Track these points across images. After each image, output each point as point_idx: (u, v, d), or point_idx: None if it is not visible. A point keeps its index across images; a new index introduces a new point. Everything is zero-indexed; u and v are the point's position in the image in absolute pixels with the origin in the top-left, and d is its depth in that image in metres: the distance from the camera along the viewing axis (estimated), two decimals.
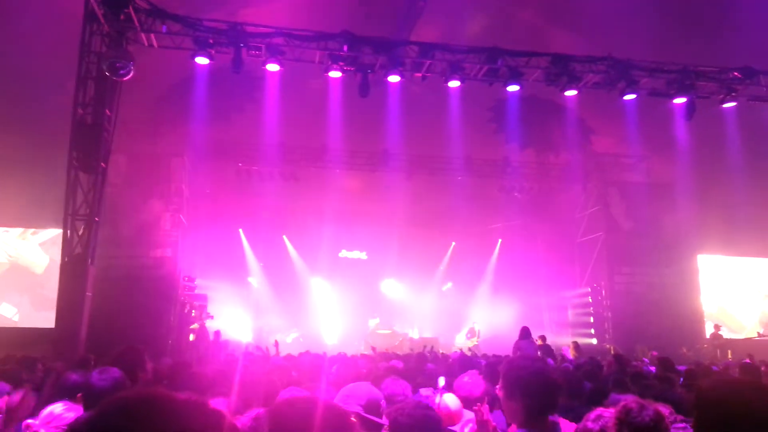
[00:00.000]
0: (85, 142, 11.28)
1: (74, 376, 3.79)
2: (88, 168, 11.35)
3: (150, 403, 1.12)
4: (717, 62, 13.50)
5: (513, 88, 12.72)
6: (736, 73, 13.32)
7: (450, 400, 3.60)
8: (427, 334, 19.09)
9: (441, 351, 14.64)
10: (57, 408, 3.12)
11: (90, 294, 11.06)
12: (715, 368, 8.19)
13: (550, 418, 2.77)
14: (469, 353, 13.03)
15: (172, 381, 3.71)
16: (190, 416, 1.13)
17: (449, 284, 21.41)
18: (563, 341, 17.40)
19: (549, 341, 13.55)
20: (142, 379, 4.02)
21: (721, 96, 13.54)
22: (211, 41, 11.62)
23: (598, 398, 5.01)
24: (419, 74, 12.74)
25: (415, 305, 20.20)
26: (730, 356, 14.30)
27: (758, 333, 16.19)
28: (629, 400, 3.85)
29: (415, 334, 19.22)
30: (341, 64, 12.07)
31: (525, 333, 11.59)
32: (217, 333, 14.15)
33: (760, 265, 19.78)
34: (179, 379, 3.84)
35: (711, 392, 1.69)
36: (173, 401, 1.14)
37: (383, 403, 2.80)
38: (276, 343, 12.19)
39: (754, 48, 14.17)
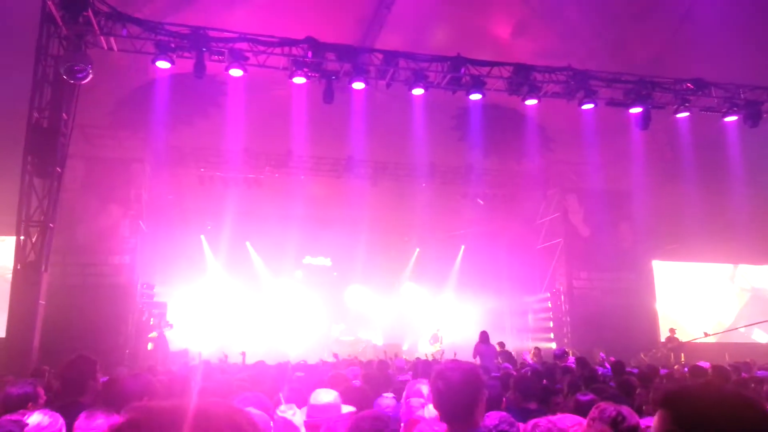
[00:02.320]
0: (41, 147, 10.99)
1: (15, 390, 3.76)
2: (44, 173, 11.06)
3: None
4: (671, 74, 13.97)
5: (475, 96, 12.90)
6: (689, 85, 13.80)
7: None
8: (391, 341, 19.16)
9: (404, 357, 14.72)
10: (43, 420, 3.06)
11: (43, 302, 10.78)
12: (662, 371, 8.42)
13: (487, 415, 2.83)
14: (431, 359, 13.13)
15: (113, 392, 3.62)
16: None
17: (409, 283, 21.53)
18: (524, 346, 17.71)
19: (511, 346, 13.79)
20: (93, 389, 3.93)
21: (675, 106, 14.01)
22: (172, 45, 11.46)
23: (549, 399, 5.16)
24: (384, 81, 12.82)
25: (380, 311, 20.26)
26: (683, 359, 14.78)
27: (705, 333, 16.76)
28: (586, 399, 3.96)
29: (378, 341, 19.25)
30: (306, 70, 12.05)
31: (484, 338, 11.78)
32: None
33: (711, 271, 20.51)
34: (119, 389, 3.75)
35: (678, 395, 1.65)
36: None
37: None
38: (242, 353, 12.09)
39: (706, 60, 14.72)
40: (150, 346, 14.25)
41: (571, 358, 10.04)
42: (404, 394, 4.11)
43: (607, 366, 9.39)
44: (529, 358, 12.01)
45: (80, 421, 3.06)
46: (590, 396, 4.02)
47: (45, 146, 11.01)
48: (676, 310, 19.25)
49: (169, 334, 14.85)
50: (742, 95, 14.01)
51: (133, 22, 11.31)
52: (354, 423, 2.98)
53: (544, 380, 7.03)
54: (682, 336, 16.77)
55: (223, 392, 4.41)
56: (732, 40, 14.95)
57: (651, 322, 18.16)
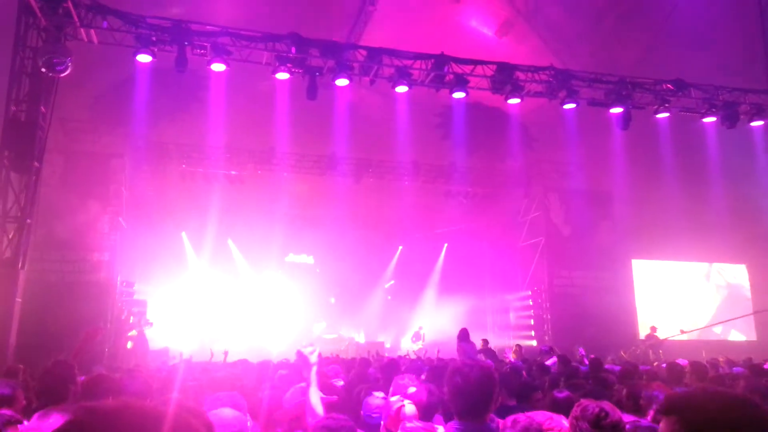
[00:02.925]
0: (18, 141, 10.76)
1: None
2: (21, 168, 10.84)
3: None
4: (651, 74, 14.13)
5: (459, 94, 12.93)
6: (668, 85, 13.97)
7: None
8: (374, 339, 19.15)
9: (386, 355, 14.71)
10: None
11: (20, 300, 10.57)
12: (643, 368, 8.51)
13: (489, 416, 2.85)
14: (414, 357, 13.15)
15: (93, 393, 3.56)
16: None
17: (392, 281, 21.55)
18: (506, 343, 17.81)
19: (492, 343, 13.84)
20: (73, 393, 3.90)
21: (655, 107, 14.18)
22: (154, 39, 11.30)
23: (529, 395, 5.19)
24: (367, 78, 12.79)
25: (362, 309, 20.23)
26: (661, 356, 14.98)
27: (681, 330, 17.01)
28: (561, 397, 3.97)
29: (361, 339, 19.23)
30: (289, 65, 11.96)
31: (464, 335, 11.74)
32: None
33: (688, 269, 20.84)
34: (100, 390, 3.69)
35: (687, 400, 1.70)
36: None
37: None
38: (225, 352, 11.95)
39: (685, 61, 14.93)
40: (129, 344, 14.07)
41: (553, 357, 10.11)
42: (391, 390, 4.09)
43: (587, 363, 9.48)
44: (511, 356, 12.06)
45: (32, 422, 2.99)
46: (566, 393, 4.04)
47: (22, 140, 10.79)
48: (654, 308, 19.51)
49: (149, 332, 14.67)
50: (720, 97, 14.20)
51: (113, 14, 11.13)
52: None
53: (524, 377, 7.08)
54: (661, 334, 17.01)
55: (202, 391, 4.34)
56: (712, 42, 15.21)
57: (630, 319, 18.38)
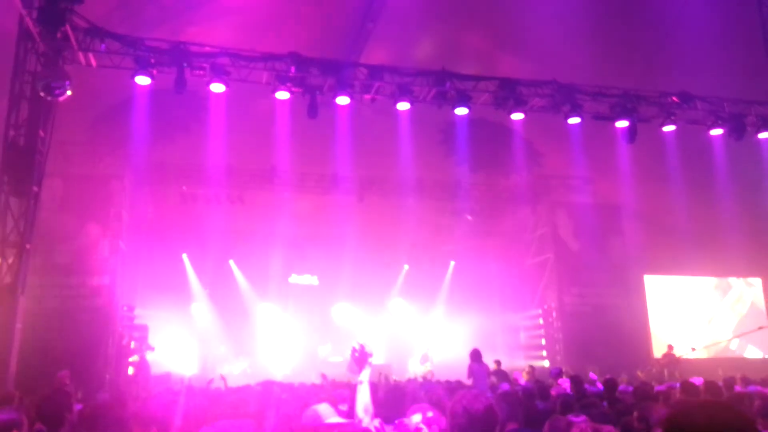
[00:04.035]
0: (17, 166, 10.72)
1: (2, 415, 3.73)
2: (20, 192, 10.77)
3: None
4: (656, 87, 13.95)
5: (461, 111, 12.77)
6: (674, 98, 13.78)
7: None
8: (380, 361, 18.77)
9: (394, 378, 14.36)
10: None
11: (20, 326, 10.43)
12: (658, 388, 8.20)
13: None
14: (421, 380, 12.82)
15: (86, 422, 3.45)
16: None
17: (398, 301, 21.22)
18: (516, 364, 17.40)
19: (504, 365, 13.47)
20: (69, 422, 3.94)
21: (661, 119, 13.97)
22: (152, 61, 11.24)
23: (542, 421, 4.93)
24: (368, 96, 12.67)
25: (368, 331, 19.88)
26: (678, 375, 14.54)
27: (692, 348, 16.57)
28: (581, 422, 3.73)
29: None
30: (289, 85, 11.87)
31: (476, 356, 11.41)
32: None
33: (703, 285, 20.41)
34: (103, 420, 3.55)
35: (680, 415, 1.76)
36: None
37: None
38: (222, 377, 11.66)
39: (690, 73, 14.76)
40: (131, 370, 13.81)
41: (565, 379, 9.77)
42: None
43: (599, 385, 9.18)
44: (522, 378, 11.67)
45: None
46: (582, 417, 3.85)
47: (21, 165, 10.76)
48: (669, 325, 19.08)
49: (150, 357, 14.42)
50: (726, 109, 14.00)
51: (112, 37, 11.10)
52: None
53: (536, 400, 6.80)
54: (677, 352, 16.56)
55: (206, 419, 4.21)
56: (716, 54, 15.06)
57: (644, 337, 17.96)
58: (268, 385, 8.94)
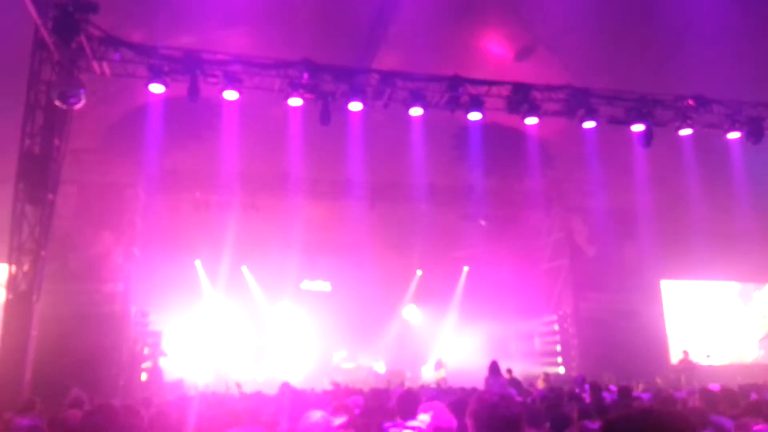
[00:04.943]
0: (33, 174, 10.86)
1: (24, 422, 3.86)
2: (35, 200, 10.91)
3: None
4: (672, 90, 13.78)
5: (474, 116, 12.70)
6: (690, 101, 13.60)
7: None
8: (393, 367, 18.67)
9: (407, 384, 14.27)
10: None
11: (35, 333, 10.55)
12: (678, 395, 8.06)
13: None
14: (434, 386, 12.71)
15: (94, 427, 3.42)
16: None
17: (411, 307, 21.13)
18: (532, 371, 17.21)
19: (518, 371, 13.32)
20: None
21: (677, 123, 13.80)
22: (166, 69, 11.30)
23: (561, 428, 4.86)
24: (381, 102, 12.63)
25: (381, 337, 19.80)
26: (695, 382, 14.30)
27: (707, 355, 16.30)
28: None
29: (380, 368, 18.76)
30: (301, 91, 11.88)
31: (494, 369, 11.20)
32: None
33: (721, 290, 20.09)
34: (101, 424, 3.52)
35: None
36: None
37: None
38: (238, 384, 11.66)
39: (706, 76, 14.55)
40: (144, 376, 13.87)
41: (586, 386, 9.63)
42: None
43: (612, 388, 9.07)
44: (539, 384, 11.52)
45: None
46: (598, 424, 3.78)
47: (36, 173, 10.91)
48: (686, 331, 18.78)
49: (164, 363, 14.46)
50: (743, 112, 13.81)
51: (125, 46, 11.18)
52: None
53: (551, 406, 6.70)
54: (694, 358, 16.31)
55: (219, 426, 4.16)
56: (732, 56, 14.84)
57: (661, 343, 17.70)
58: (284, 388, 8.91)
